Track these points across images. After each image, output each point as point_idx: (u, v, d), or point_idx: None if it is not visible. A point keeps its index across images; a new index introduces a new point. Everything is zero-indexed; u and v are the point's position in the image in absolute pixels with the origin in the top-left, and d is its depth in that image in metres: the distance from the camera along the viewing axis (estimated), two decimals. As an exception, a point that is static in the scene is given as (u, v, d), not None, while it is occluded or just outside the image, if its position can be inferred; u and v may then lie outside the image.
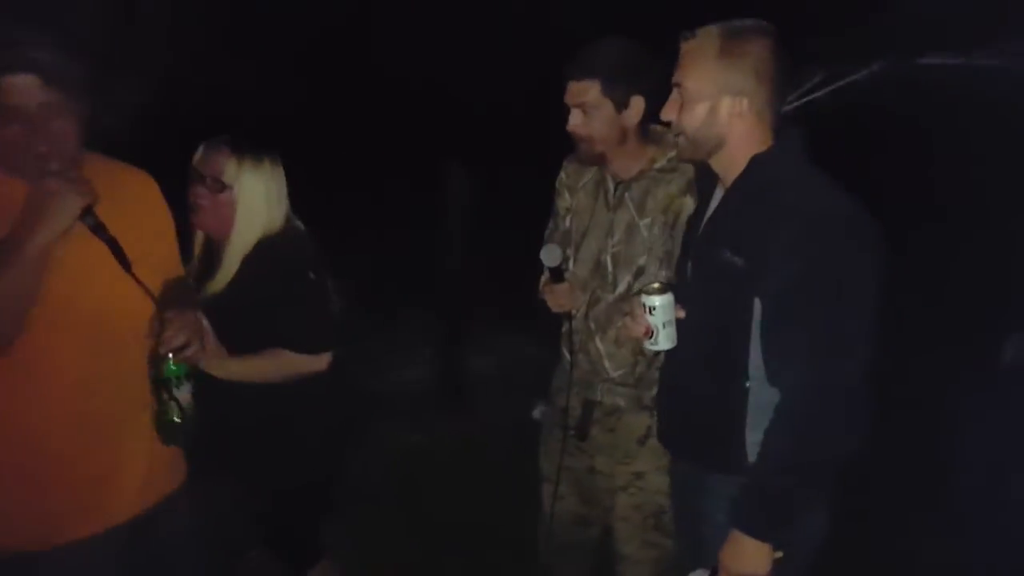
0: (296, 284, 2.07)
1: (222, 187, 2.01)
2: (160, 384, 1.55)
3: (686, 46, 1.67)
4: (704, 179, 1.84)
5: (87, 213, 1.49)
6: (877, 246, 1.57)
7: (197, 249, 2.15)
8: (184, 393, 1.55)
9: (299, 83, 6.76)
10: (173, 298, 1.66)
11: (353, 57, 7.17)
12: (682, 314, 1.78)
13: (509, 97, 6.32)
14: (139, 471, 1.63)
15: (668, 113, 1.71)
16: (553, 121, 2.21)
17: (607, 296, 2.19)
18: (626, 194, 2.17)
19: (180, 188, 2.01)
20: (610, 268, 2.18)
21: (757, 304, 1.62)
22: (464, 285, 4.20)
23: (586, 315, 2.22)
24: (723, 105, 1.63)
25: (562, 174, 2.34)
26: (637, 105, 2.08)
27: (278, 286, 2.03)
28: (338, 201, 5.68)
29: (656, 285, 1.78)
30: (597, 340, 2.22)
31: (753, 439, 1.66)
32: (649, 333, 1.77)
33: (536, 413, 2.56)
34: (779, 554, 1.62)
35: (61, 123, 1.50)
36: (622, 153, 2.14)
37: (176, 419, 1.55)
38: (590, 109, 2.06)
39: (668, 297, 1.75)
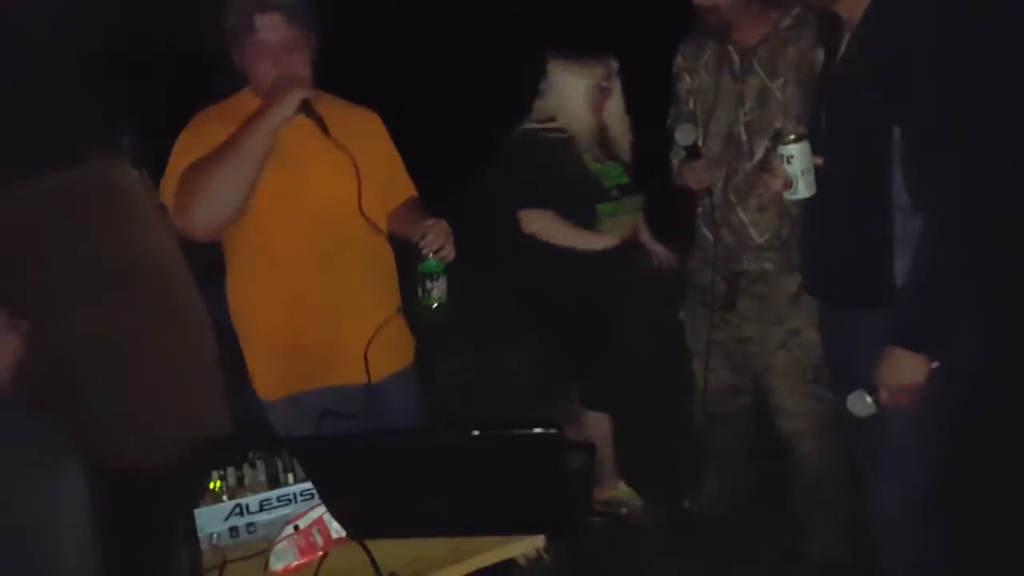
0: None
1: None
2: (423, 276, 1.85)
3: None
4: (827, 26, 1.81)
5: (309, 110, 1.76)
6: None
7: None
8: (440, 284, 1.85)
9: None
10: (420, 211, 1.99)
11: None
12: (819, 161, 1.77)
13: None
14: (368, 346, 1.90)
15: None
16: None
17: (745, 166, 2.20)
18: (753, 60, 2.15)
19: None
20: (744, 137, 2.18)
21: (897, 132, 1.60)
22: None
23: (724, 188, 2.23)
24: None
25: (678, 58, 2.34)
26: None
27: None
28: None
29: (791, 135, 1.77)
30: (739, 211, 2.24)
31: (901, 269, 1.67)
32: (789, 184, 1.77)
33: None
34: (935, 364, 1.65)
35: (300, 55, 1.81)
36: (747, 18, 2.11)
37: (435, 305, 1.85)
38: None
39: (804, 145, 1.75)
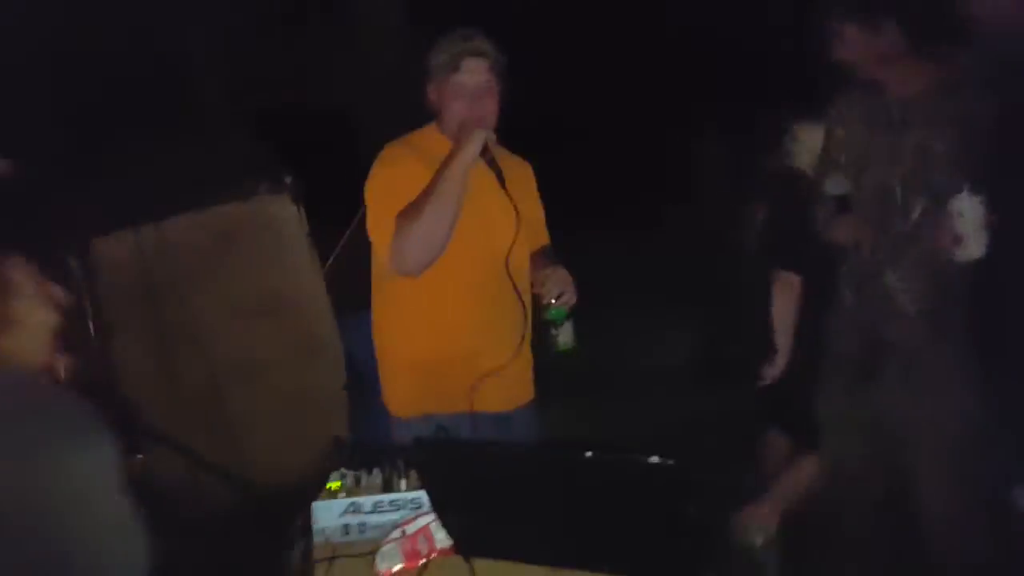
0: None
1: None
2: (547, 324, 1.90)
3: None
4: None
5: (486, 149, 1.86)
6: None
7: None
8: (566, 330, 1.90)
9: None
10: (547, 258, 2.05)
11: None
12: (994, 219, 1.63)
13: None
14: (502, 379, 1.96)
15: None
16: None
17: (898, 225, 2.02)
18: (913, 113, 2.01)
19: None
20: (899, 194, 2.01)
21: None
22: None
23: (873, 248, 2.06)
24: None
25: (831, 110, 2.21)
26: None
27: None
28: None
29: (965, 188, 1.66)
30: (889, 273, 2.05)
31: None
32: (959, 240, 1.65)
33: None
34: None
35: (491, 100, 1.92)
36: (901, 70, 1.99)
37: (562, 350, 1.91)
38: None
39: (978, 199, 1.63)
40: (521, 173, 2.11)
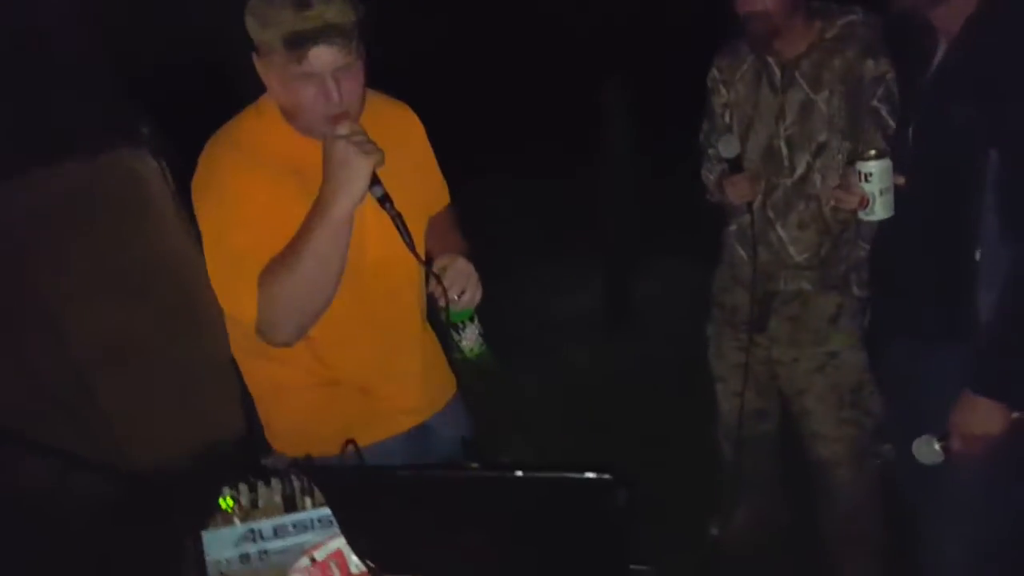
0: None
1: None
2: (448, 328, 1.59)
3: None
4: (913, 37, 1.65)
5: (375, 182, 1.41)
6: None
7: None
8: (469, 334, 1.59)
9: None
10: (442, 240, 1.66)
11: None
12: (901, 180, 1.61)
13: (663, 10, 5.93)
14: (417, 392, 1.69)
15: None
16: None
17: (784, 181, 2.07)
18: (795, 73, 2.01)
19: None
20: (785, 152, 2.05)
21: (993, 155, 1.44)
22: (630, 209, 4.07)
23: (762, 205, 2.10)
24: None
25: (714, 71, 2.20)
26: None
27: None
28: (511, 128, 5.61)
29: (872, 151, 1.63)
30: (778, 227, 2.10)
31: (986, 303, 1.51)
32: (864, 203, 1.62)
33: None
34: (1016, 414, 1.49)
35: (354, 83, 1.43)
36: (790, 29, 1.97)
37: (465, 357, 1.61)
38: None
39: (885, 163, 1.59)
40: (398, 125, 1.67)
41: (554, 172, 5.20)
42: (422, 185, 1.68)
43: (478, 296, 1.54)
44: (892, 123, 1.91)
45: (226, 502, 1.44)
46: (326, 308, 1.45)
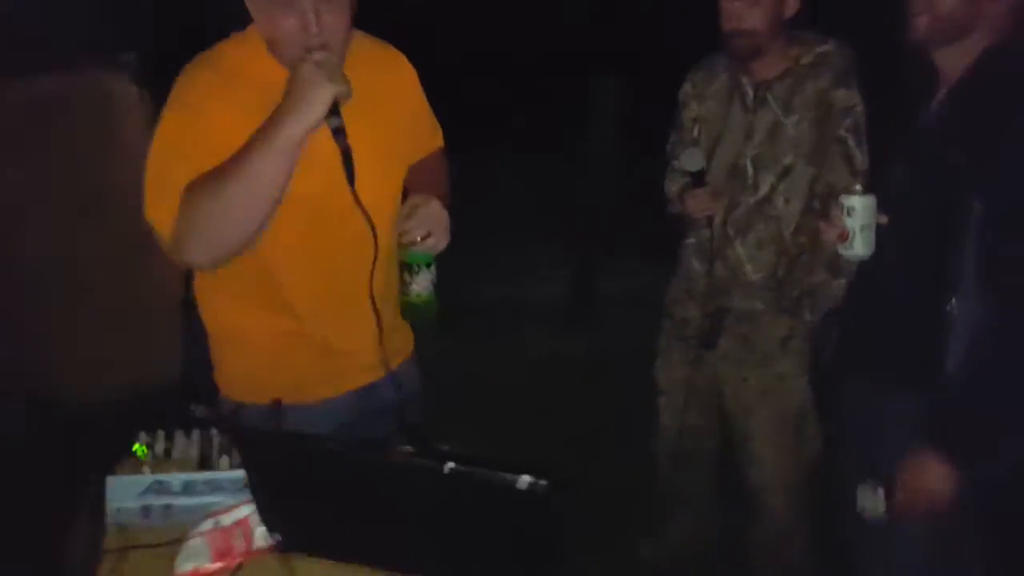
0: None
1: None
2: (402, 267, 1.52)
3: None
4: (916, 77, 1.63)
5: (334, 113, 1.36)
6: None
7: None
8: (422, 279, 1.51)
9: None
10: (422, 181, 1.62)
11: None
12: (884, 220, 1.59)
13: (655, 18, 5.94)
14: (365, 347, 1.61)
15: None
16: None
17: (747, 199, 2.09)
18: (768, 94, 2.04)
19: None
20: (750, 171, 2.07)
21: (977, 208, 1.42)
22: (603, 207, 4.03)
23: (723, 221, 2.11)
24: None
25: (687, 85, 2.22)
26: None
27: None
28: (483, 121, 5.56)
29: (858, 186, 1.63)
30: (737, 244, 2.11)
31: (955, 353, 1.47)
32: (844, 236, 1.59)
33: None
34: (967, 478, 1.45)
35: (334, 17, 1.39)
36: (770, 51, 2.01)
37: (411, 301, 1.53)
38: (756, 1, 1.94)
39: (869, 199, 1.58)
40: (388, 73, 1.64)
41: (537, 159, 5.16)
42: (409, 129, 1.65)
43: (443, 243, 1.50)
44: (859, 154, 1.97)
45: (140, 448, 1.36)
46: (250, 237, 1.37)
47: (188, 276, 2.53)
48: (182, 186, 1.34)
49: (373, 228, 1.47)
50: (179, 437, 1.40)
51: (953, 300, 1.47)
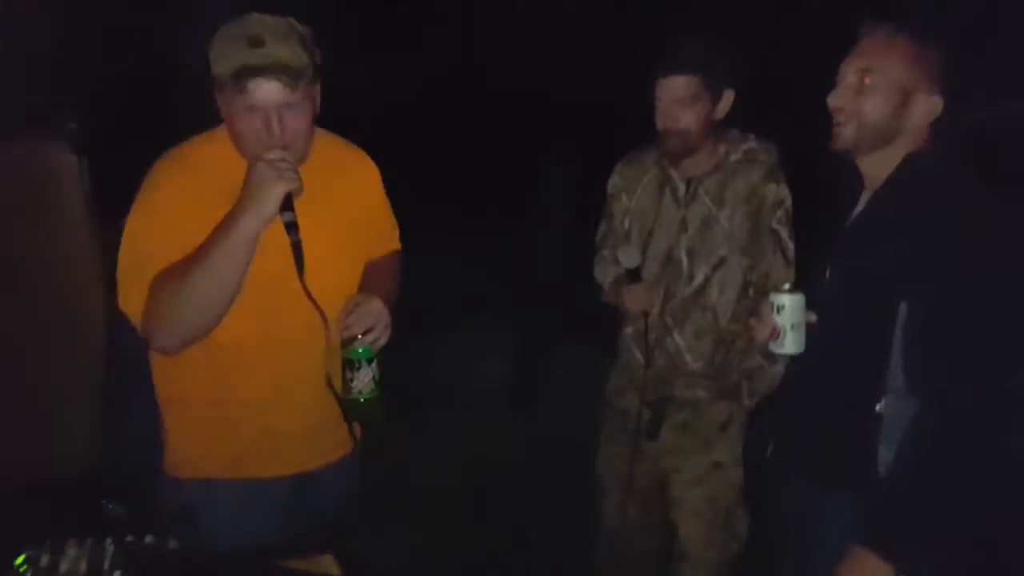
0: None
1: None
2: (344, 364, 1.55)
3: (874, 35, 1.56)
4: (845, 181, 1.71)
5: (287, 207, 1.47)
6: None
7: None
8: (363, 376, 1.54)
9: (397, 83, 6.72)
10: (370, 280, 1.69)
11: (449, 57, 7.07)
12: (813, 319, 1.63)
13: (597, 99, 6.12)
14: (306, 433, 1.67)
15: (842, 99, 1.56)
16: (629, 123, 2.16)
17: (683, 290, 2.13)
18: (699, 189, 2.10)
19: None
20: (685, 262, 2.12)
21: (903, 309, 1.46)
22: (548, 289, 4.02)
23: (660, 312, 2.14)
24: (917, 102, 1.51)
25: (615, 178, 2.29)
26: (728, 98, 2.06)
27: None
28: (431, 200, 5.57)
29: (787, 285, 1.66)
30: (675, 335, 2.14)
31: (885, 455, 1.50)
32: (775, 334, 1.63)
33: None
34: None
35: (298, 119, 1.51)
36: (701, 149, 2.09)
37: (353, 398, 1.56)
38: (691, 103, 2.01)
39: (798, 298, 1.62)
40: (351, 171, 1.75)
41: (486, 242, 5.17)
42: (365, 226, 1.75)
43: (383, 339, 1.55)
44: (791, 245, 2.04)
45: (20, 562, 1.23)
46: (212, 323, 1.49)
47: (112, 359, 2.43)
48: (148, 274, 1.47)
49: (324, 317, 1.53)
50: (71, 547, 1.27)
51: (883, 400, 1.49)
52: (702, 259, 2.10)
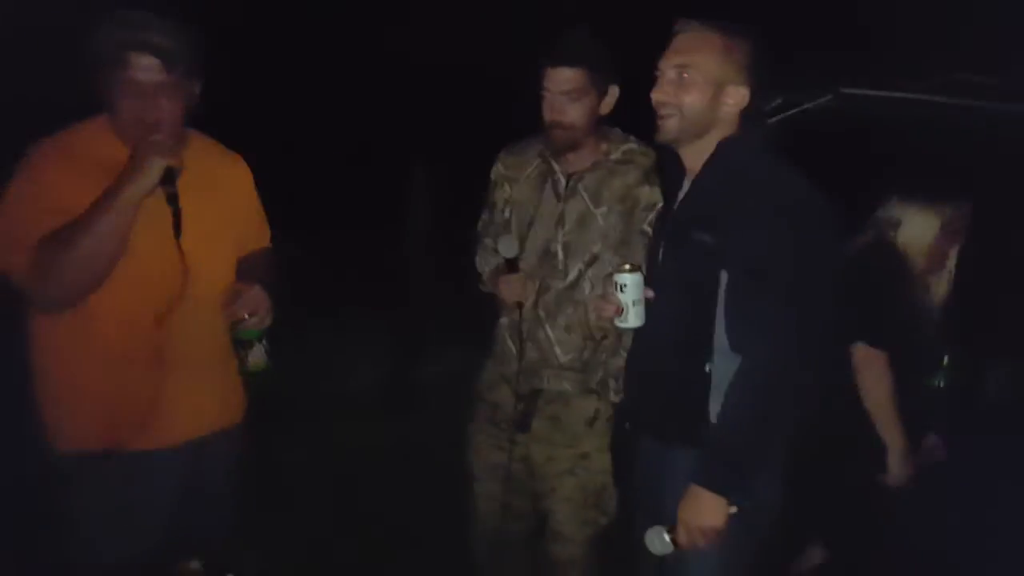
0: None
1: None
2: (235, 344, 1.73)
3: (688, 32, 1.66)
4: (671, 170, 1.84)
5: (168, 179, 1.60)
6: (835, 226, 1.64)
7: None
8: (256, 352, 1.72)
9: (268, 79, 6.52)
10: (248, 271, 1.82)
11: (318, 48, 6.93)
12: (651, 294, 1.76)
13: (471, 96, 6.14)
14: (190, 402, 1.76)
15: (664, 93, 1.67)
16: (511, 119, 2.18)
17: (557, 284, 2.13)
18: (579, 185, 2.12)
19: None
20: (560, 256, 2.13)
21: (724, 277, 1.61)
22: (420, 288, 3.97)
23: (535, 304, 2.14)
24: (728, 92, 1.64)
25: (499, 166, 2.26)
26: (613, 93, 2.07)
27: None
28: (300, 199, 5.42)
29: (627, 265, 1.76)
30: (547, 327, 2.14)
31: (716, 410, 1.65)
32: (619, 311, 1.75)
33: None
34: (733, 509, 1.62)
35: (171, 102, 1.64)
36: (585, 145, 2.09)
37: (249, 372, 1.75)
38: (578, 96, 2.01)
39: (638, 276, 1.74)
40: (224, 170, 1.88)
41: (361, 239, 5.06)
42: (240, 216, 1.90)
43: (267, 321, 1.71)
44: None
45: None
46: (93, 283, 1.58)
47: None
48: (33, 241, 1.54)
49: (188, 277, 1.68)
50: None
51: (711, 361, 1.63)
52: (577, 254, 2.09)
